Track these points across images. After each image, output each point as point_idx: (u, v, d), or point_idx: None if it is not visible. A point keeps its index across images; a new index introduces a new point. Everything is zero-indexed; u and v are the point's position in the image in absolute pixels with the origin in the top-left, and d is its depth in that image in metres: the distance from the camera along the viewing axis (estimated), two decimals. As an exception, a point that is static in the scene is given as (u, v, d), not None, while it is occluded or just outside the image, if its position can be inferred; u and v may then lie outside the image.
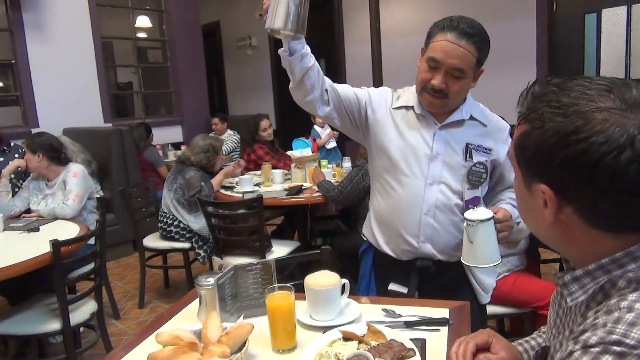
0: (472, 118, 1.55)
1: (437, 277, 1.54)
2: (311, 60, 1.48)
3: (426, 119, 1.55)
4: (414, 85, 1.57)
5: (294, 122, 5.93)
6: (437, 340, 1.16)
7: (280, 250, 3.04)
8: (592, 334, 0.62)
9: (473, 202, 1.50)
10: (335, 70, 6.31)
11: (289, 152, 3.75)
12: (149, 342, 1.23)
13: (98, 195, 3.66)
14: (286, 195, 3.18)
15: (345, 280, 1.33)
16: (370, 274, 1.69)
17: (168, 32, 6.21)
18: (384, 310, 1.32)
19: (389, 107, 1.60)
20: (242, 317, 1.22)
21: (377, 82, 5.84)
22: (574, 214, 0.67)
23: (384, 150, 1.57)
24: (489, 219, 1.29)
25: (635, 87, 0.65)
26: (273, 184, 3.52)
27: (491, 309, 2.08)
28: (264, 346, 1.18)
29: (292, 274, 2.70)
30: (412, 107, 1.56)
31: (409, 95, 1.60)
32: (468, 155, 1.52)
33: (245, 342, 1.11)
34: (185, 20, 6.21)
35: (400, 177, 1.54)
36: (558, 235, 0.72)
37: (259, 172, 3.78)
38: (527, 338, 1.04)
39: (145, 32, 6.54)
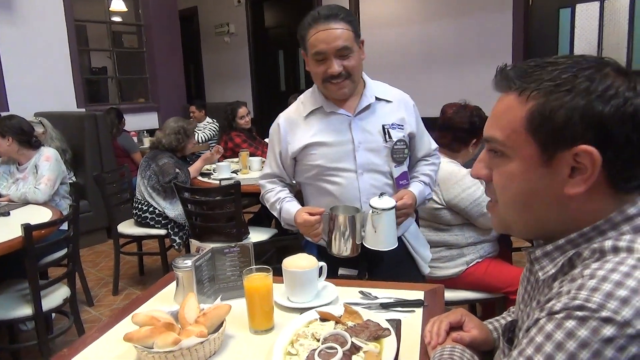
0: (377, 99, 1.62)
1: (383, 255, 1.56)
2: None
3: (338, 114, 1.60)
4: (309, 90, 1.67)
5: (272, 109, 5.89)
6: (412, 321, 1.19)
7: (257, 237, 3.04)
8: (556, 301, 0.64)
9: (402, 178, 1.63)
10: (314, 60, 6.29)
11: (267, 140, 3.74)
12: (125, 323, 1.22)
13: (71, 181, 3.59)
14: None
15: (322, 263, 1.34)
16: None
17: (144, 16, 6.09)
18: (361, 292, 1.33)
19: (299, 122, 1.64)
20: (219, 298, 1.22)
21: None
22: (603, 174, 0.66)
23: (311, 163, 1.62)
24: (391, 208, 1.43)
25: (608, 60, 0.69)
26: (250, 171, 3.50)
27: (464, 294, 2.13)
28: (242, 327, 1.19)
29: (269, 260, 2.71)
30: (322, 107, 1.61)
31: (311, 98, 1.65)
32: (387, 136, 1.60)
33: (222, 323, 1.11)
34: (161, 4, 6.10)
35: (332, 178, 1.61)
36: (571, 210, 0.69)
37: (236, 159, 3.76)
38: (497, 317, 1.08)
39: (120, 16, 6.39)
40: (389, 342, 1.05)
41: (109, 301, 3.30)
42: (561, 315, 0.62)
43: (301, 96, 1.71)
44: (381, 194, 1.47)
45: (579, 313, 0.60)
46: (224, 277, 1.35)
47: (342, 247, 1.52)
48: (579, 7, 4.52)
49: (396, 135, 1.61)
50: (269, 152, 1.74)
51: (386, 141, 1.60)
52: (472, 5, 4.99)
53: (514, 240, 2.82)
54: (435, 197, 2.06)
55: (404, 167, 1.65)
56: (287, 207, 1.66)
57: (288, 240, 1.74)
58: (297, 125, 1.64)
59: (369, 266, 1.63)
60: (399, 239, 1.60)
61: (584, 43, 4.56)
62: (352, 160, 1.59)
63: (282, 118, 1.69)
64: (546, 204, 0.70)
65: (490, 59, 4.90)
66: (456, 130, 2.13)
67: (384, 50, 5.56)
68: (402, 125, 1.63)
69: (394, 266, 1.63)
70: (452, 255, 2.09)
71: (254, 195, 4.00)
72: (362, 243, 1.53)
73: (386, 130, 1.60)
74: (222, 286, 1.35)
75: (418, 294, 1.31)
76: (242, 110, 4.11)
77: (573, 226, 0.70)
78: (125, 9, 6.23)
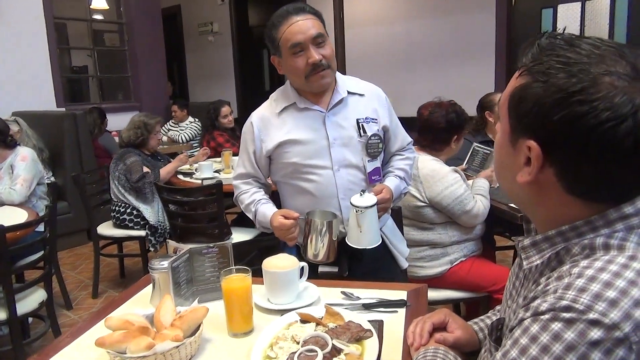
0: (349, 93, 1.61)
1: (363, 251, 1.53)
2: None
3: (311, 110, 1.59)
4: (281, 88, 1.65)
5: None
6: (394, 321, 1.16)
7: (240, 237, 3.00)
8: (542, 300, 0.62)
9: (375, 173, 1.62)
10: (299, 59, 6.26)
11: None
12: (99, 327, 1.18)
13: (49, 181, 3.51)
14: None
15: (303, 263, 1.31)
16: None
17: (126, 14, 5.99)
18: (343, 293, 1.31)
19: (272, 120, 1.61)
20: (196, 300, 1.19)
21: (340, 70, 5.85)
22: (554, 176, 0.65)
23: (286, 161, 1.60)
24: (373, 205, 1.42)
25: None
26: (233, 171, 3.45)
27: (448, 294, 2.12)
28: (220, 330, 1.15)
29: (252, 262, 2.67)
30: (295, 104, 1.60)
31: (283, 95, 1.63)
32: (362, 130, 1.58)
33: (199, 326, 1.07)
34: (143, 2, 6.00)
35: (308, 175, 1.59)
36: (530, 196, 0.70)
37: (219, 159, 3.71)
38: (481, 317, 1.06)
39: (101, 14, 6.28)
40: (371, 343, 1.02)
41: (89, 304, 3.23)
42: (547, 316, 0.60)
43: (273, 94, 1.68)
44: (362, 192, 1.46)
45: (566, 315, 0.58)
46: (203, 278, 1.32)
47: (318, 252, 1.50)
48: (561, 8, 4.56)
49: (371, 129, 1.60)
50: (242, 152, 1.70)
51: (360, 136, 1.58)
52: (455, 4, 5.00)
53: (498, 240, 2.83)
54: (418, 195, 2.05)
55: (377, 163, 1.64)
56: (263, 209, 1.63)
57: (271, 241, 1.70)
58: (271, 123, 1.61)
59: (349, 263, 1.61)
60: None
61: (566, 43, 4.61)
62: (327, 157, 1.57)
63: (255, 116, 1.65)
64: (510, 180, 0.71)
65: (473, 58, 4.92)
66: (435, 131, 2.12)
67: (367, 49, 5.55)
68: (376, 119, 1.62)
69: (373, 262, 1.62)
70: (436, 255, 2.08)
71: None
72: (337, 248, 1.51)
73: (360, 124, 1.59)
74: (200, 288, 1.31)
75: (401, 294, 1.29)
76: (225, 110, 4.06)
77: (540, 211, 0.70)
78: (107, 7, 6.12)
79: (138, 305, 1.30)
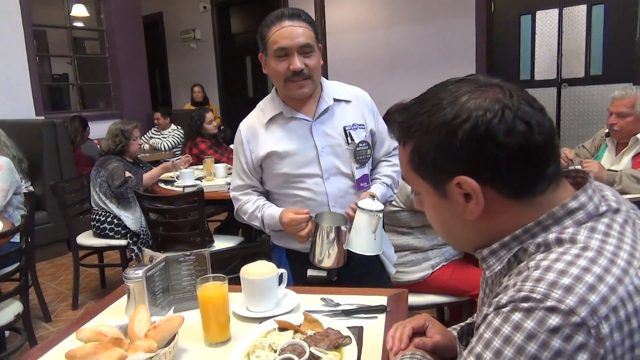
0: (336, 101, 1.61)
1: (352, 256, 1.51)
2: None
3: (298, 119, 1.58)
4: (268, 97, 1.64)
5: (240, 116, 5.83)
6: (374, 327, 1.15)
7: (222, 245, 2.96)
8: (503, 294, 0.63)
9: (363, 180, 1.62)
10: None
11: (232, 146, 3.67)
12: (72, 340, 1.14)
13: (26, 191, 3.44)
14: (228, 189, 3.09)
15: (282, 270, 1.29)
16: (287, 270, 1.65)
17: (106, 21, 5.93)
18: (323, 299, 1.29)
19: (260, 130, 1.61)
20: (172, 310, 1.16)
21: (323, 77, 5.85)
22: (493, 191, 0.68)
23: (276, 172, 1.59)
24: (382, 210, 1.44)
25: (480, 74, 0.73)
26: (215, 178, 3.42)
27: (431, 299, 2.11)
28: (196, 340, 1.13)
29: (235, 269, 2.63)
30: (282, 113, 1.59)
31: (270, 105, 1.63)
32: (349, 138, 1.59)
33: (174, 336, 1.05)
34: (124, 9, 5.95)
35: (299, 184, 1.58)
36: (485, 226, 0.72)
37: (201, 166, 3.68)
38: (461, 323, 1.05)
39: (81, 21, 6.22)
40: (350, 350, 1.01)
41: (68, 316, 3.16)
42: (507, 308, 0.61)
43: (260, 103, 1.66)
44: (372, 197, 1.45)
45: (525, 304, 0.60)
46: (179, 287, 1.29)
47: (325, 258, 1.47)
48: (539, 14, 4.63)
49: (358, 136, 1.59)
50: (236, 164, 1.68)
51: (348, 143, 1.58)
52: (435, 11, 5.05)
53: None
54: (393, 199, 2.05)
55: (366, 170, 1.64)
56: (269, 211, 1.60)
57: (255, 247, 1.67)
58: (258, 133, 1.61)
59: (338, 267, 1.59)
60: None
61: (545, 49, 4.68)
62: (316, 166, 1.57)
63: (244, 126, 1.64)
64: (463, 228, 0.74)
65: (454, 63, 4.97)
66: None
67: (349, 55, 5.57)
68: (363, 125, 1.61)
69: (362, 267, 1.60)
70: (417, 260, 2.07)
71: (220, 203, 3.94)
72: (345, 254, 1.49)
73: (347, 132, 1.58)
74: (177, 297, 1.29)
75: (381, 300, 1.28)
76: (209, 115, 4.03)
77: (500, 236, 0.71)
78: (87, 14, 6.07)
79: (114, 317, 1.27)
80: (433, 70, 5.10)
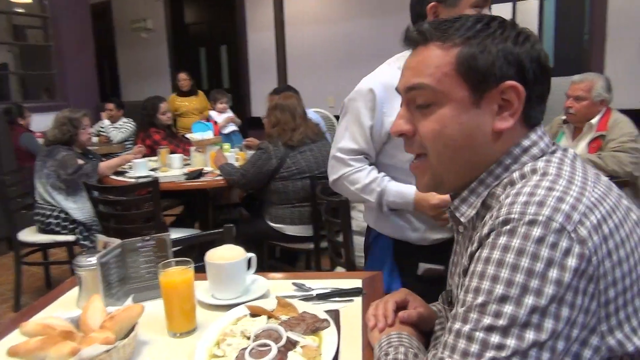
0: None
1: None
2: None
3: None
4: (402, 54, 1.39)
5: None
6: (351, 310, 1.08)
7: (179, 238, 2.83)
8: (482, 229, 0.67)
9: None
10: (238, 58, 6.11)
11: (188, 136, 3.52)
12: (15, 335, 1.01)
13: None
14: (185, 179, 2.96)
15: (251, 254, 1.21)
16: (393, 266, 1.48)
17: (50, 8, 5.59)
18: (295, 284, 1.22)
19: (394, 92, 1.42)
20: (130, 299, 1.05)
21: (281, 69, 5.75)
22: (522, 114, 0.72)
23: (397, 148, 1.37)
24: None
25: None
26: (171, 169, 3.27)
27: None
28: (158, 331, 1.02)
29: (196, 260, 2.50)
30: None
31: (388, 69, 1.41)
32: None
33: (134, 327, 0.94)
34: (69, -4, 5.63)
35: None
36: (495, 147, 0.73)
37: (155, 157, 3.50)
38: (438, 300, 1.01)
39: (22, 7, 5.84)
40: (329, 334, 0.94)
41: (9, 318, 2.92)
42: (492, 237, 0.64)
43: (392, 60, 1.42)
44: None
45: (506, 227, 0.63)
46: (137, 275, 1.18)
47: None
48: (494, 8, 4.69)
49: None
50: (352, 124, 1.41)
51: None
52: (393, 4, 5.05)
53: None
54: None
55: None
56: (396, 187, 1.37)
57: (216, 235, 1.57)
58: (396, 94, 1.40)
59: None
60: None
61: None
62: None
63: (377, 82, 1.38)
64: (477, 144, 0.73)
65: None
66: None
67: (308, 47, 5.50)
68: None
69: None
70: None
71: (175, 195, 3.79)
72: None
73: None
74: (135, 286, 1.17)
75: (356, 283, 1.22)
76: (163, 106, 3.84)
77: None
78: (29, 0, 5.70)
79: (62, 309, 1.15)
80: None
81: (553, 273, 0.59)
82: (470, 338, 0.61)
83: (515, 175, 0.71)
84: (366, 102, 1.39)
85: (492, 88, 0.71)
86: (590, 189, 0.66)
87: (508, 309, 0.60)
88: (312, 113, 3.48)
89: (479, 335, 0.61)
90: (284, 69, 5.59)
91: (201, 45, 6.85)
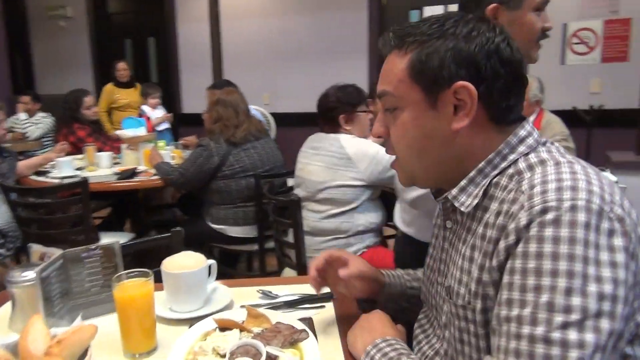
0: None
1: None
2: None
3: None
4: None
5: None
6: (324, 317, 1.03)
7: (112, 243, 2.62)
8: (514, 222, 0.64)
9: None
10: (167, 51, 5.82)
11: (118, 132, 3.28)
12: None
13: None
14: (117, 179, 2.75)
15: (211, 261, 1.11)
16: None
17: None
18: (260, 291, 1.14)
19: None
20: (79, 318, 0.92)
21: (217, 65, 5.55)
22: (481, 108, 0.72)
23: None
24: None
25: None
26: (99, 169, 3.03)
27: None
28: (113, 352, 0.91)
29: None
30: None
31: None
32: None
33: (86, 351, 0.82)
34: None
35: None
36: (460, 146, 0.74)
37: (80, 156, 3.23)
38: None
39: None
40: (309, 345, 0.87)
41: None
42: (534, 229, 0.62)
43: None
44: None
45: (549, 216, 0.61)
46: (82, 290, 1.05)
47: None
48: (426, 10, 4.84)
49: None
50: None
51: None
52: (330, 1, 5.05)
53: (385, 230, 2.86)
54: (355, 175, 2.00)
55: None
56: None
57: (166, 239, 1.45)
58: None
59: None
60: None
61: (432, 43, 4.91)
62: None
63: None
64: (439, 145, 0.75)
65: (348, 55, 5.00)
66: (325, 111, 2.11)
67: (243, 42, 5.35)
68: None
69: None
70: (339, 245, 2.00)
71: (103, 197, 3.52)
72: None
73: None
74: (80, 302, 1.04)
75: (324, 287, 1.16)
76: (88, 100, 3.55)
77: (469, 163, 0.75)
78: None
79: (-10, 333, 0.99)
80: (327, 60, 5.09)
81: (605, 256, 0.60)
82: (547, 341, 0.58)
83: (522, 165, 0.71)
84: None
85: (445, 89, 0.72)
86: (597, 173, 0.68)
87: (576, 301, 0.58)
88: (253, 110, 3.38)
89: (556, 335, 0.58)
90: (220, 64, 5.39)
91: (126, 36, 6.45)
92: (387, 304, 1.00)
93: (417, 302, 0.98)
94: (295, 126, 4.74)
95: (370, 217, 2.06)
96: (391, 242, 3.11)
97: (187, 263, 1.05)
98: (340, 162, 2.01)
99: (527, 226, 0.63)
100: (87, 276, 1.05)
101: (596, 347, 0.57)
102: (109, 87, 5.05)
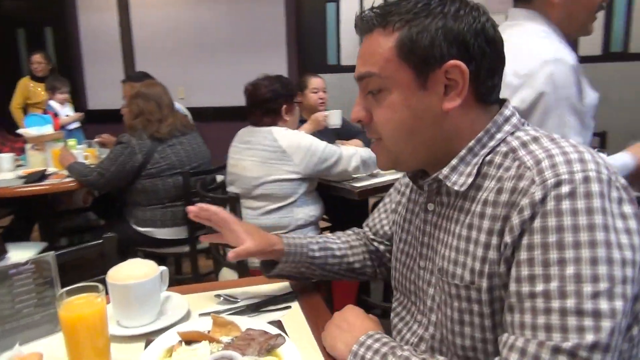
0: None
1: None
2: None
3: None
4: (543, 27, 1.22)
5: (8, 99, 4.79)
6: (293, 318, 0.97)
7: (20, 255, 2.35)
8: (527, 198, 0.64)
9: None
10: (66, 42, 5.35)
11: (20, 131, 2.94)
12: None
13: None
14: (23, 183, 2.47)
15: (163, 268, 1.02)
16: None
17: None
18: (218, 296, 1.06)
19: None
20: (17, 346, 0.79)
21: (128, 57, 5.20)
22: (470, 87, 0.71)
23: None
24: None
25: None
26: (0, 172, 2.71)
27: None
28: (60, 380, 0.79)
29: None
30: None
31: (558, 39, 1.27)
32: None
33: (31, 382, 0.71)
34: None
35: None
36: (449, 126, 0.73)
37: (-25, 158, 2.87)
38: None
39: None
40: (287, 350, 0.82)
41: None
42: (550, 203, 0.62)
43: (539, 30, 1.21)
44: None
45: (563, 189, 0.62)
46: (12, 312, 0.90)
47: None
48: (343, 2, 4.87)
49: None
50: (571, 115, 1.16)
51: None
52: (245, -6, 4.92)
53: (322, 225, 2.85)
54: (289, 168, 1.96)
55: None
56: (614, 162, 1.21)
57: (98, 247, 1.31)
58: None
59: None
60: None
61: (350, 35, 4.95)
62: None
63: (573, 60, 1.16)
64: (429, 125, 0.74)
65: (265, 47, 4.91)
66: (261, 103, 2.04)
67: (155, 31, 5.05)
68: None
69: None
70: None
71: (5, 205, 3.16)
72: None
73: None
74: (12, 326, 0.89)
75: (285, 286, 1.10)
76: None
77: (457, 143, 0.74)
78: None
79: None
80: (245, 53, 4.96)
81: (620, 223, 0.61)
82: (580, 312, 0.58)
83: (515, 143, 0.71)
84: (576, 85, 1.22)
85: (436, 69, 0.71)
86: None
87: (603, 269, 0.59)
88: (177, 105, 3.20)
89: (588, 306, 0.58)
90: (132, 56, 5.05)
91: (19, 26, 5.84)
92: (285, 267, 1.00)
93: (316, 268, 1.02)
94: (213, 121, 4.58)
95: (310, 210, 2.03)
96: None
97: (137, 272, 0.95)
98: (275, 155, 1.96)
99: (543, 200, 0.62)
100: (16, 296, 0.91)
101: (623, 314, 0.59)
102: (24, 81, 4.54)
